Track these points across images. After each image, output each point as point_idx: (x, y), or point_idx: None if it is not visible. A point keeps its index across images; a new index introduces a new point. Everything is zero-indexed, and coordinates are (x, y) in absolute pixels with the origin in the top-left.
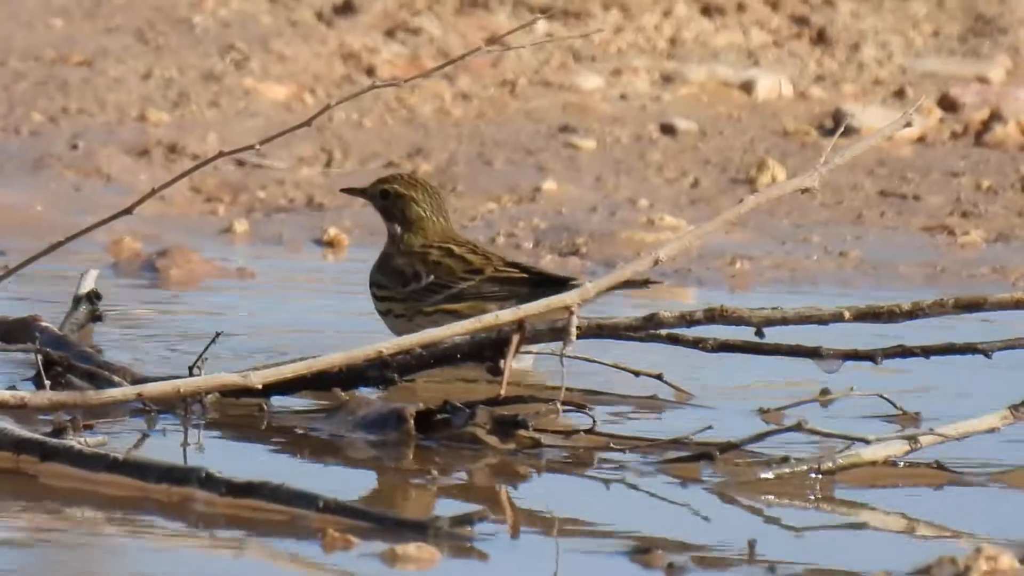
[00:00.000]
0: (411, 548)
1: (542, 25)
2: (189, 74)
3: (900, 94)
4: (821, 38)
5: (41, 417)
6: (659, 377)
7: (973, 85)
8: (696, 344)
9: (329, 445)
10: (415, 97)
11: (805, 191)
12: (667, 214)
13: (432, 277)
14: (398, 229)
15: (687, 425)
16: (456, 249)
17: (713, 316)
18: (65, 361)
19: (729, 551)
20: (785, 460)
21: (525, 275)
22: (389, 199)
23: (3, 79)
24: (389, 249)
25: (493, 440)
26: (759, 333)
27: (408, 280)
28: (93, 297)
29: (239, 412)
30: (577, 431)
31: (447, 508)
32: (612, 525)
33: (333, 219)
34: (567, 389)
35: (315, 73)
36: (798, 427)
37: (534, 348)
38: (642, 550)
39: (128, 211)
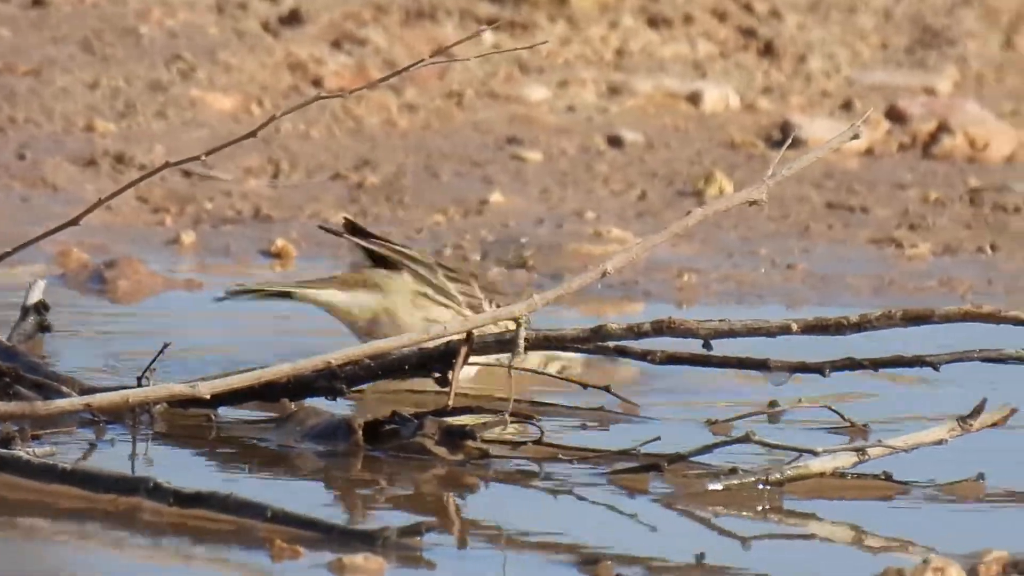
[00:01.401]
0: (359, 558)
1: (489, 36)
2: (136, 84)
3: (847, 106)
4: (768, 50)
5: None
6: (607, 389)
7: (921, 97)
8: (644, 356)
9: (278, 455)
10: (362, 108)
11: (752, 203)
12: (614, 226)
13: None
14: None
15: (635, 436)
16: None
17: (661, 328)
18: (13, 372)
19: (677, 562)
20: (733, 471)
21: None
22: None
23: None
24: None
25: (441, 451)
26: (707, 345)
27: None
28: (41, 308)
29: (187, 422)
30: (525, 442)
31: (395, 518)
32: (560, 536)
33: (281, 231)
34: (515, 400)
35: (262, 84)
36: (746, 439)
37: (481, 359)
38: (590, 561)
39: (75, 222)
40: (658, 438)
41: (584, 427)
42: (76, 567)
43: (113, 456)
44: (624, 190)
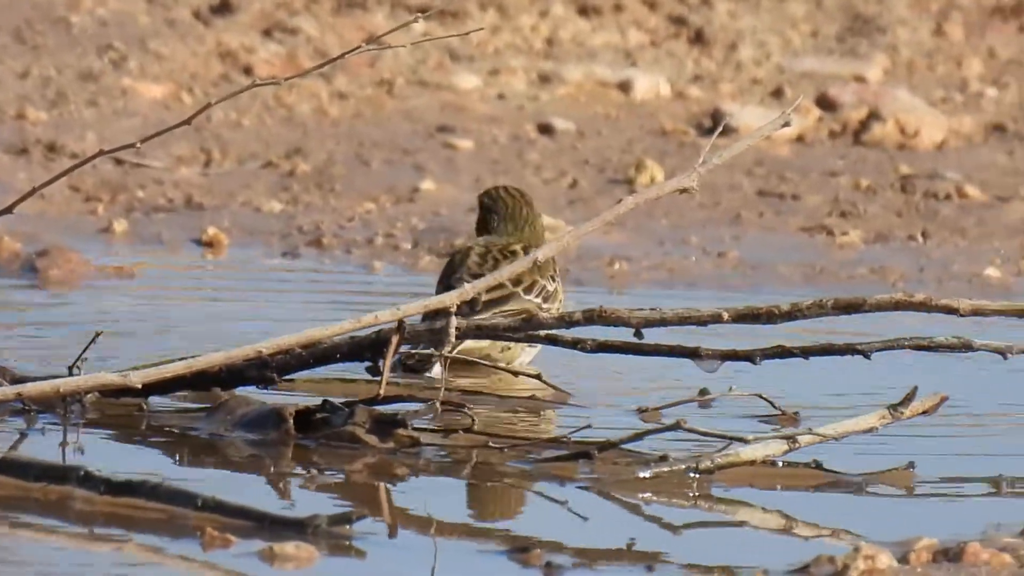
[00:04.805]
0: (289, 547)
1: (420, 25)
2: (67, 73)
3: (778, 93)
4: (699, 38)
5: None
6: (537, 377)
7: (851, 84)
8: (575, 345)
9: (209, 444)
10: (293, 96)
11: (683, 191)
12: (545, 214)
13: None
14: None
15: (566, 424)
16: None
17: (592, 317)
18: None
19: (607, 549)
20: (663, 459)
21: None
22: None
23: None
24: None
25: (372, 439)
26: (638, 334)
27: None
28: None
29: (119, 411)
30: (456, 430)
31: (326, 507)
32: (490, 524)
33: (212, 219)
34: (446, 389)
35: (193, 72)
36: (677, 426)
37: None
38: (520, 549)
39: (8, 210)
40: (588, 426)
41: (515, 415)
42: (7, 555)
43: (44, 445)
44: (555, 178)
